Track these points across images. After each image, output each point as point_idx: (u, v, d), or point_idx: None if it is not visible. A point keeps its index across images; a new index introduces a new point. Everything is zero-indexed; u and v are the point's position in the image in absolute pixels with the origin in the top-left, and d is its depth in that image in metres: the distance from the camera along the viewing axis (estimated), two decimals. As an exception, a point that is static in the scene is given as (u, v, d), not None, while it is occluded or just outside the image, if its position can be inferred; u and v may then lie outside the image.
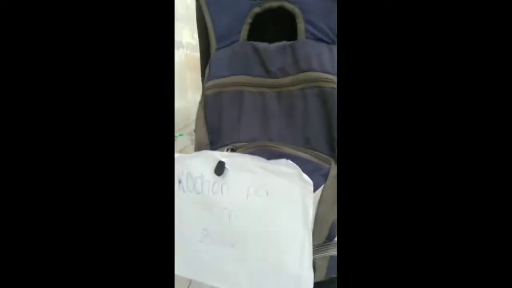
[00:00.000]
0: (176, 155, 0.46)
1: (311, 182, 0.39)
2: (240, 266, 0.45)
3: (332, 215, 0.44)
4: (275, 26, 0.46)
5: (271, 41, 0.45)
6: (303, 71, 0.42)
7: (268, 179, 0.41)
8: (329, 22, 0.43)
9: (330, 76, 0.41)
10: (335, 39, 0.43)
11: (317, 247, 0.45)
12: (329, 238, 0.46)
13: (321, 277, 0.48)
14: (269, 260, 0.43)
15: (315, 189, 0.41)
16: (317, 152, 0.43)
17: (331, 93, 0.41)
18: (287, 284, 0.42)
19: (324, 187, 0.43)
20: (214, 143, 0.47)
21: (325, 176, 0.42)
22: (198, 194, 0.46)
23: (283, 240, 0.42)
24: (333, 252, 0.46)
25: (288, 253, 0.42)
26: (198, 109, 0.48)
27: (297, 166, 0.39)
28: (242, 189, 0.43)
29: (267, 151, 0.44)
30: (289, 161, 0.40)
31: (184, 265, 0.50)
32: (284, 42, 0.44)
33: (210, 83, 0.46)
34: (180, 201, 0.48)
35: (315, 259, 0.45)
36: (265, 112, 0.45)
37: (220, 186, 0.44)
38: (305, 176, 0.39)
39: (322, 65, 0.41)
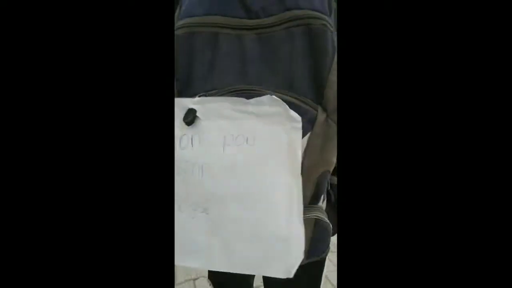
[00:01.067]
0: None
1: (299, 118, 0.34)
2: (214, 236, 0.37)
3: (320, 168, 0.39)
4: None
5: None
6: (289, 9, 0.37)
7: (248, 124, 0.35)
8: None
9: (319, 14, 0.37)
10: None
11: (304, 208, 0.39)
12: (315, 197, 0.40)
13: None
14: (251, 224, 0.36)
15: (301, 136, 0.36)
16: (302, 97, 0.38)
17: (320, 30, 0.37)
18: (274, 249, 0.35)
19: (310, 134, 0.37)
20: (182, 93, 0.40)
21: (312, 122, 0.37)
22: None
23: (267, 197, 0.35)
24: (319, 214, 0.40)
25: (274, 211, 0.35)
26: None
27: (282, 102, 0.34)
28: (217, 139, 0.36)
29: (244, 95, 0.38)
30: (273, 96, 0.34)
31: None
32: None
33: (181, 22, 0.40)
34: None
35: None
36: (243, 56, 0.39)
37: (189, 138, 0.37)
38: (292, 113, 0.34)
39: (311, 2, 0.37)
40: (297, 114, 0.34)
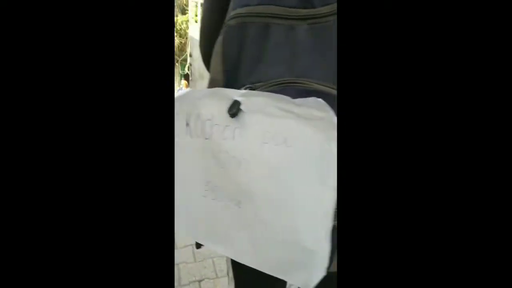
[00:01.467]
0: (183, 90, 0.39)
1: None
2: (245, 230, 0.38)
3: None
4: None
5: None
6: None
7: (289, 124, 0.33)
8: None
9: None
10: None
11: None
12: None
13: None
14: (279, 228, 0.35)
15: None
16: None
17: None
18: (299, 258, 0.34)
19: None
20: (230, 84, 0.40)
21: None
22: (206, 139, 0.39)
23: (298, 204, 0.34)
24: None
25: (303, 221, 0.34)
26: (217, 43, 0.41)
27: (329, 107, 0.31)
28: (258, 135, 0.35)
29: (293, 89, 0.36)
30: (320, 100, 0.31)
31: (185, 223, 0.44)
32: None
33: (233, 12, 0.39)
34: (186, 147, 0.41)
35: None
36: (294, 47, 0.37)
37: (232, 130, 0.37)
38: (333, 116, 0.31)
39: None
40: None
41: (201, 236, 0.43)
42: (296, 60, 0.37)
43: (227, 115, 0.37)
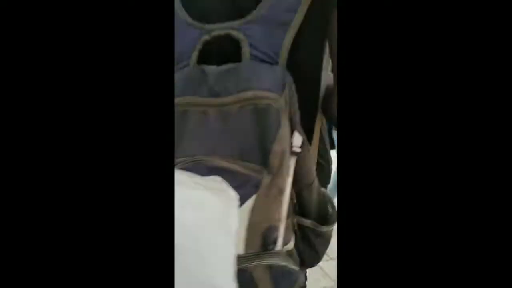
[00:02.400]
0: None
1: (236, 197, 0.42)
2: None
3: (265, 223, 0.46)
4: (222, 51, 0.50)
5: (218, 64, 0.49)
6: (243, 90, 0.45)
7: (200, 193, 0.45)
8: (272, 45, 0.47)
9: (266, 94, 0.44)
10: (278, 60, 0.47)
11: (251, 256, 0.47)
12: (264, 247, 0.47)
13: None
14: (199, 272, 0.46)
15: (246, 199, 0.44)
16: (250, 164, 0.45)
17: (265, 109, 0.44)
18: None
19: (256, 196, 0.45)
20: None
21: (257, 186, 0.45)
22: None
23: (210, 253, 0.45)
24: (273, 261, 0.47)
25: (212, 264, 0.45)
26: None
27: (223, 182, 0.43)
28: (178, 202, 0.46)
29: (201, 166, 0.47)
30: (217, 177, 0.43)
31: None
32: (230, 65, 0.48)
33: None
34: None
35: (248, 268, 0.47)
36: (206, 129, 0.48)
37: None
38: (230, 192, 0.43)
39: (261, 83, 0.45)
40: (234, 194, 0.42)
41: None
42: (207, 141, 0.47)
43: None
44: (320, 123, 0.58)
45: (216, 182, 0.43)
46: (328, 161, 0.64)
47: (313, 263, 0.55)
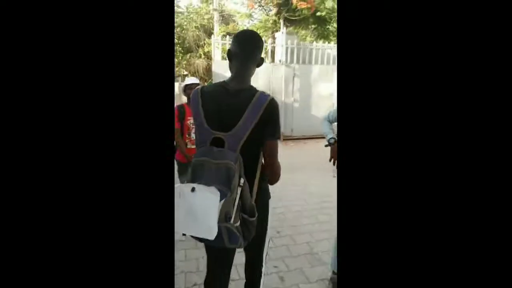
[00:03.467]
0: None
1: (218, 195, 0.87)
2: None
3: (227, 210, 0.90)
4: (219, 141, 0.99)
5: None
6: (224, 159, 0.93)
7: (200, 186, 0.91)
8: (235, 143, 0.95)
9: (231, 163, 0.91)
10: (236, 149, 0.95)
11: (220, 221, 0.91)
12: (225, 220, 0.91)
13: None
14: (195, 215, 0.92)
15: (221, 199, 0.87)
16: (223, 186, 0.90)
17: (230, 168, 0.91)
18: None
19: (225, 199, 0.89)
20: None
21: (226, 195, 0.89)
22: None
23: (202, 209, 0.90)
24: (228, 225, 0.93)
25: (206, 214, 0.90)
26: None
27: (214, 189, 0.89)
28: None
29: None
30: (212, 187, 0.90)
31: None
32: (221, 148, 0.97)
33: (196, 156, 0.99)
34: None
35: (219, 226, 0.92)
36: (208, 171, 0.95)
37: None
38: (216, 192, 0.88)
39: (230, 158, 0.92)
40: (218, 194, 0.89)
41: None
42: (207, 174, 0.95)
43: None
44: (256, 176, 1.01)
45: (211, 188, 0.88)
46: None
47: (248, 237, 0.98)
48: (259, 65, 1.05)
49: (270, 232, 1.11)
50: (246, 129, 0.92)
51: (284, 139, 6.74)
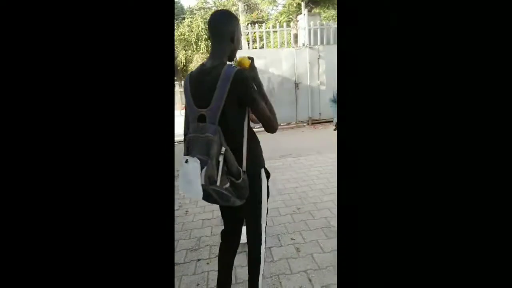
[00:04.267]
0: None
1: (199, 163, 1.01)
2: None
3: (210, 174, 1.02)
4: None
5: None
6: (206, 133, 1.04)
7: (187, 157, 1.05)
8: (215, 116, 1.05)
9: (211, 135, 1.02)
10: (215, 122, 1.05)
11: (206, 185, 1.04)
12: (210, 183, 1.03)
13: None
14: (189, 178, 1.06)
15: (204, 166, 1.01)
16: (206, 156, 1.03)
17: (211, 139, 1.02)
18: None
19: (208, 165, 1.02)
20: None
21: (207, 163, 1.02)
22: None
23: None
24: (216, 188, 1.06)
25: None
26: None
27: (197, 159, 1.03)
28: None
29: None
30: (194, 158, 1.03)
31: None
32: (204, 123, 1.08)
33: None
34: None
35: (207, 189, 1.08)
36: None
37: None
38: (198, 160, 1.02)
39: (210, 132, 1.03)
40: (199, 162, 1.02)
41: None
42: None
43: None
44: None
45: (194, 158, 1.01)
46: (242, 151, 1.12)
47: (241, 196, 1.09)
48: (233, 40, 1.11)
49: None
50: (220, 102, 1.01)
51: (312, 123, 6.70)
